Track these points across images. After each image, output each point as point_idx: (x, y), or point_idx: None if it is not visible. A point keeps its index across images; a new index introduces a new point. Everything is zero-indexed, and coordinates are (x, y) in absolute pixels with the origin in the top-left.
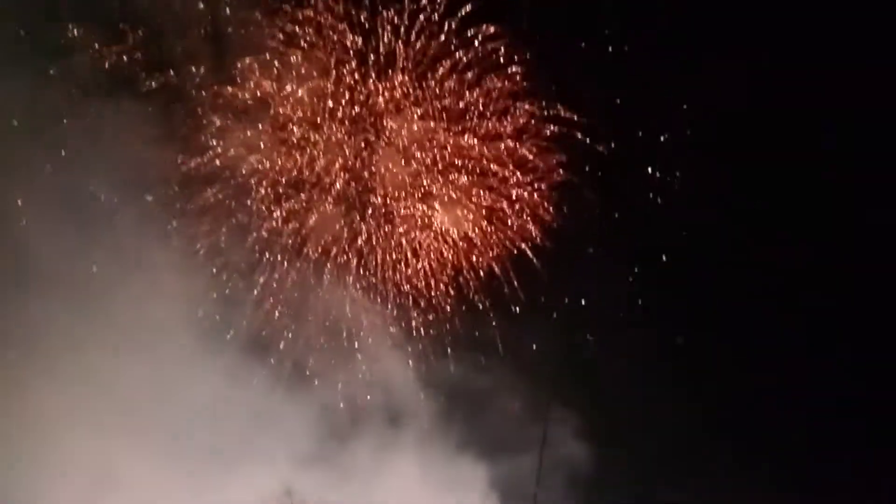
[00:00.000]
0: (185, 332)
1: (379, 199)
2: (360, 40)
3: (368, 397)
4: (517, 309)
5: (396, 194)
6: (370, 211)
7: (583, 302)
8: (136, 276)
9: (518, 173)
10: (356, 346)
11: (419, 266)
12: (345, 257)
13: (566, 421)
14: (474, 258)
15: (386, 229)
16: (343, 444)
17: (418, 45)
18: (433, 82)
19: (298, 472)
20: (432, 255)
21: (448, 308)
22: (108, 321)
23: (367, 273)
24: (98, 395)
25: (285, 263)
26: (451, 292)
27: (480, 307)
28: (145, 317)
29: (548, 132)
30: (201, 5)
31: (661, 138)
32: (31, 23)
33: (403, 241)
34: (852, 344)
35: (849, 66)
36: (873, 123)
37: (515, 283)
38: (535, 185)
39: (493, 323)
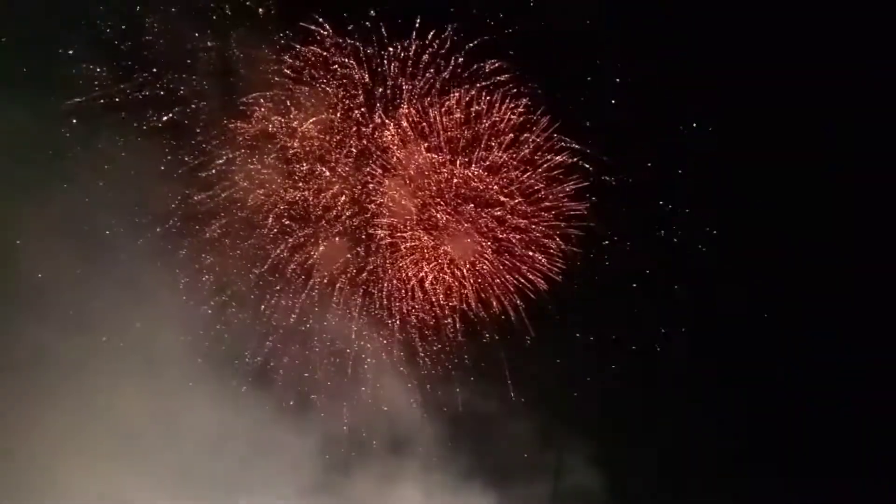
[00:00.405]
0: (191, 361)
1: (385, 230)
2: (366, 75)
3: (370, 428)
4: (526, 340)
5: (403, 226)
6: (376, 243)
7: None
8: (143, 307)
9: (525, 204)
10: (360, 375)
11: (424, 297)
12: (350, 288)
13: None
14: (481, 289)
15: (392, 261)
16: (347, 473)
17: (424, 79)
18: (439, 115)
19: (302, 501)
20: (438, 287)
21: (455, 339)
22: (114, 351)
23: (373, 304)
24: (104, 424)
25: (291, 294)
26: (458, 324)
27: (487, 339)
28: (151, 347)
29: (554, 162)
30: (209, 42)
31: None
32: (40, 59)
33: (409, 273)
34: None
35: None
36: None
37: (523, 314)
38: (543, 215)
39: (502, 354)
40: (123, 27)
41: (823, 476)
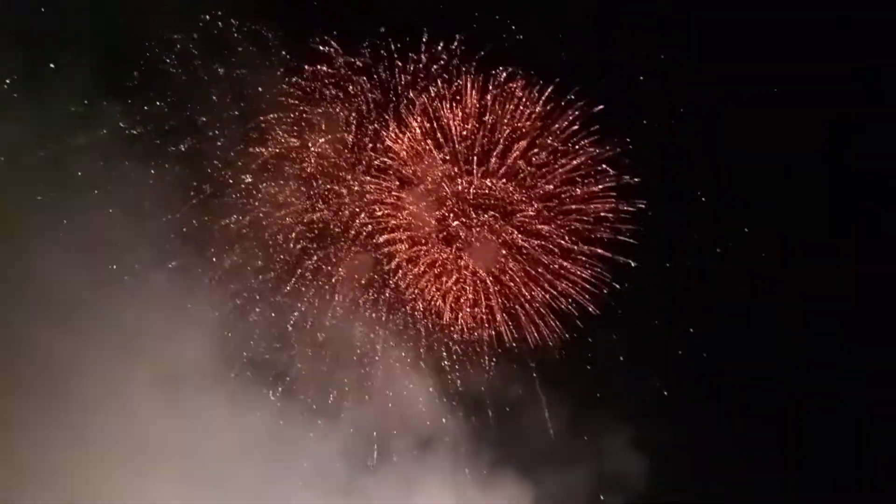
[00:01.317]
0: (220, 376)
1: (404, 245)
2: (378, 91)
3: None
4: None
5: (423, 240)
6: (396, 259)
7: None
8: (169, 327)
9: (544, 210)
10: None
11: (452, 315)
12: (373, 307)
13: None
14: (507, 301)
15: (413, 277)
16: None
17: (436, 90)
18: (453, 125)
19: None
20: (463, 302)
21: (481, 351)
22: (144, 367)
23: (398, 322)
24: (127, 430)
25: (315, 311)
26: (486, 337)
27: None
28: (180, 363)
29: (570, 166)
30: (221, 70)
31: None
32: (57, 91)
33: (432, 288)
34: None
35: None
36: None
37: (553, 324)
38: (561, 221)
39: (531, 363)
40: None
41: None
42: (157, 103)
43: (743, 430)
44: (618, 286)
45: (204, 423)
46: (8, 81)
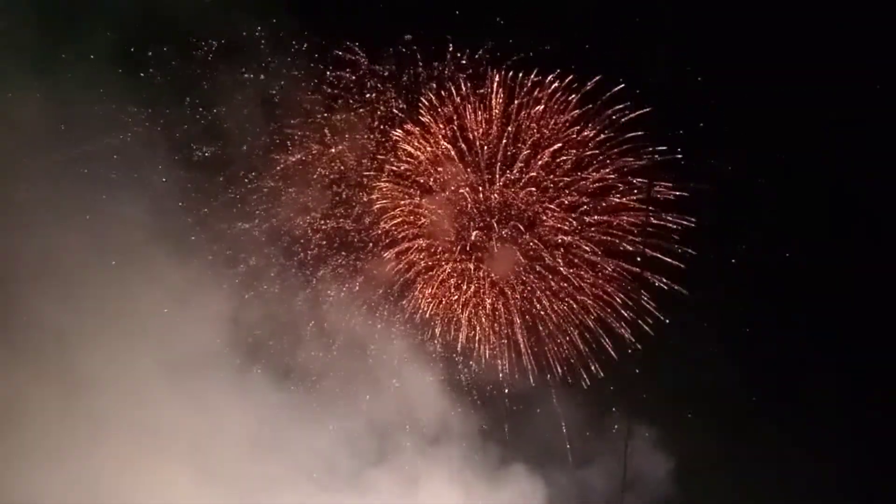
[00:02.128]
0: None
1: (424, 254)
2: (402, 99)
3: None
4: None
5: (442, 250)
6: (416, 267)
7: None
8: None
9: (567, 219)
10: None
11: (465, 320)
12: (391, 317)
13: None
14: (527, 313)
15: (432, 286)
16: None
17: (461, 95)
18: (477, 133)
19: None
20: (480, 310)
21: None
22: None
23: (416, 332)
24: (135, 421)
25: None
26: (501, 346)
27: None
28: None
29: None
30: (247, 75)
31: None
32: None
33: (452, 299)
34: None
35: None
36: None
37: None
38: (587, 233)
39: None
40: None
41: None
42: (182, 106)
43: None
44: (649, 305)
45: (213, 413)
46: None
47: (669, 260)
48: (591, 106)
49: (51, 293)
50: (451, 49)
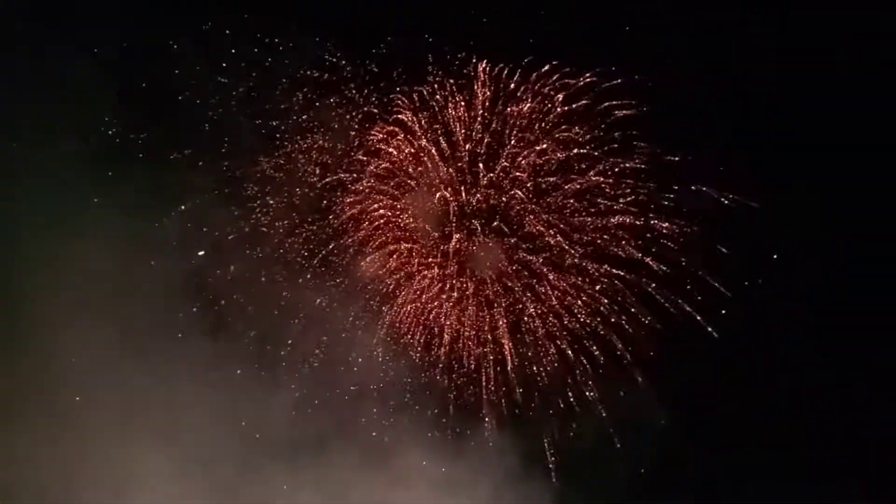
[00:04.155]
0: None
1: (404, 257)
2: (382, 98)
3: None
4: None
5: (424, 253)
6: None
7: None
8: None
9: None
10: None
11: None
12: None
13: None
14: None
15: (413, 289)
16: None
17: (444, 94)
18: (460, 132)
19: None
20: (463, 316)
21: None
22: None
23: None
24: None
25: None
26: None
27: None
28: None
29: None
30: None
31: None
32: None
33: (430, 306)
34: None
35: None
36: None
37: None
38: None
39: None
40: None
41: None
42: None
43: None
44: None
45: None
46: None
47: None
48: (582, 102)
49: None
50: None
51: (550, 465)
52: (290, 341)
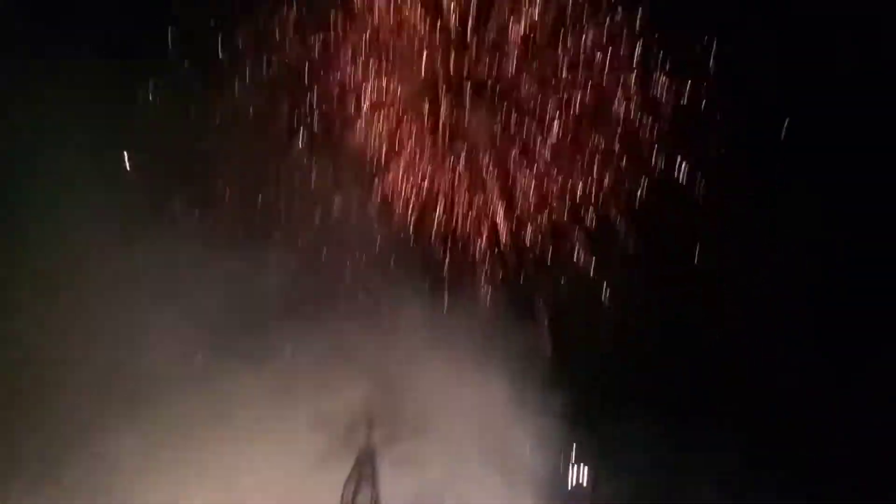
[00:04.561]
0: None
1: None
2: None
3: None
4: None
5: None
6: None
7: None
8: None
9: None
10: None
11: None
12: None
13: None
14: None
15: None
16: None
17: None
18: None
19: None
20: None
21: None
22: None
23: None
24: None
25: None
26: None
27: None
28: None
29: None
30: None
31: None
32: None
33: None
34: None
35: None
36: None
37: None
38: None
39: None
40: None
41: None
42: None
43: None
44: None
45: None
46: None
47: None
48: None
49: None
50: None
51: (544, 326)
52: (281, 212)
